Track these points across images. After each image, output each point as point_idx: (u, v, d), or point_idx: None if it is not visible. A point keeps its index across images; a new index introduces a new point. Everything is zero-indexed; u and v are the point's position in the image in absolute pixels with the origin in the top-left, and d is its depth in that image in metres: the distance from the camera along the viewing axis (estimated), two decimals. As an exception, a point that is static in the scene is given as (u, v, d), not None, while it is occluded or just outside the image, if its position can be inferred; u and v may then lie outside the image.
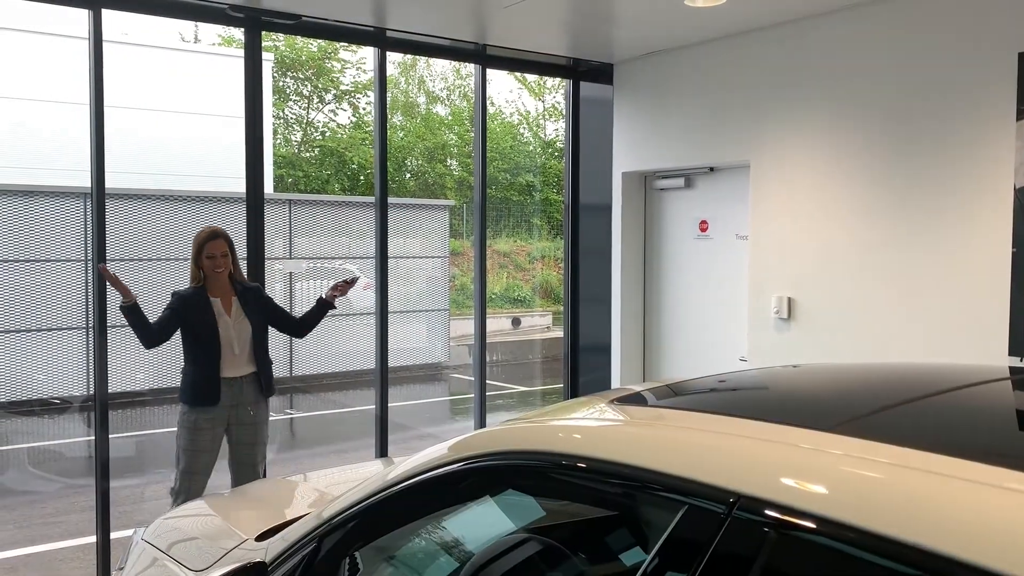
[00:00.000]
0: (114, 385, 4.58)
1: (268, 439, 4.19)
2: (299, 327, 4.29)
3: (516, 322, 17.27)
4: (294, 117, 22.70)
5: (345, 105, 22.55)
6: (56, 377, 8.00)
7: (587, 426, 1.60)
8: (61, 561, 4.80)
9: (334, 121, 22.94)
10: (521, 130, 23.84)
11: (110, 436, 4.28)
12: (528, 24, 4.75)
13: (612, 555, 1.43)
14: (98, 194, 4.15)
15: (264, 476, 4.17)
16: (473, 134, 5.52)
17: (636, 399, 1.75)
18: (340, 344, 10.37)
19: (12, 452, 6.96)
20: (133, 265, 7.91)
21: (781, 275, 4.60)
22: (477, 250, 5.49)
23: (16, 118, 9.88)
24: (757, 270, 4.72)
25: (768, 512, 1.09)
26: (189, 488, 3.94)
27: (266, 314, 4.19)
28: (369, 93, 21.79)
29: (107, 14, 4.15)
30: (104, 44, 4.17)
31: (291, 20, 4.49)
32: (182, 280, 4.14)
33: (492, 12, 4.53)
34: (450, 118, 23.93)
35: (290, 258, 10.25)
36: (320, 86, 21.97)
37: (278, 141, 21.45)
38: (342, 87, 22.14)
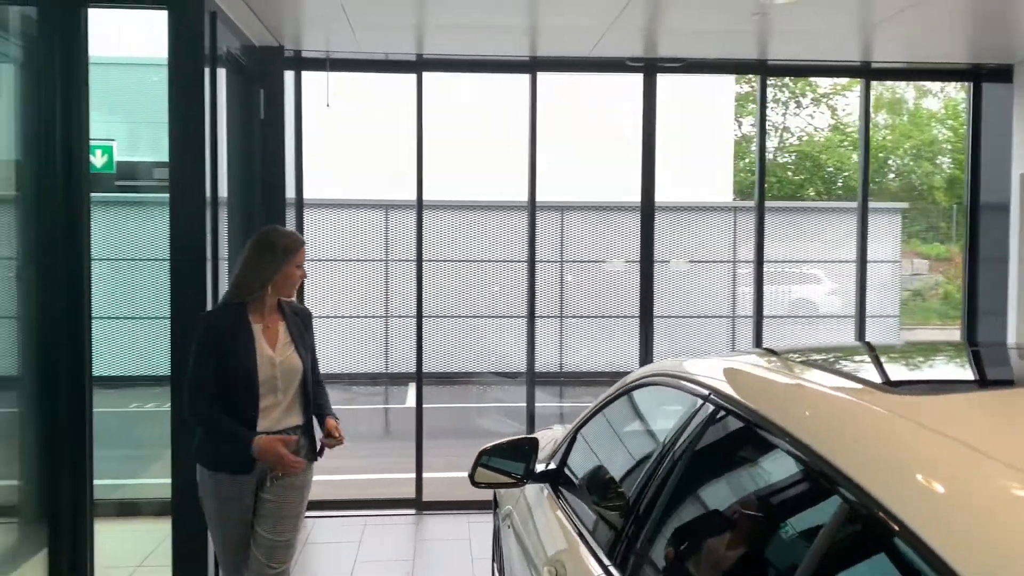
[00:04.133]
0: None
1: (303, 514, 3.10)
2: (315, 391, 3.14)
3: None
4: (770, 124, 23.27)
5: (824, 108, 22.41)
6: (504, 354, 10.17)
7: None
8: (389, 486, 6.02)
9: (811, 125, 22.93)
10: None
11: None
12: (917, 35, 4.93)
13: None
14: (531, 207, 5.59)
15: (291, 563, 3.05)
16: (859, 148, 5.80)
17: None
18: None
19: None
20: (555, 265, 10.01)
21: None
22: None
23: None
24: None
25: None
26: (234, 564, 3.03)
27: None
28: (847, 94, 21.36)
29: (543, 76, 5.50)
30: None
31: (678, 63, 5.43)
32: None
33: (872, 28, 4.82)
34: (943, 111, 22.15)
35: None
36: (796, 91, 22.17)
37: (752, 148, 22.26)
38: (819, 90, 22.01)
